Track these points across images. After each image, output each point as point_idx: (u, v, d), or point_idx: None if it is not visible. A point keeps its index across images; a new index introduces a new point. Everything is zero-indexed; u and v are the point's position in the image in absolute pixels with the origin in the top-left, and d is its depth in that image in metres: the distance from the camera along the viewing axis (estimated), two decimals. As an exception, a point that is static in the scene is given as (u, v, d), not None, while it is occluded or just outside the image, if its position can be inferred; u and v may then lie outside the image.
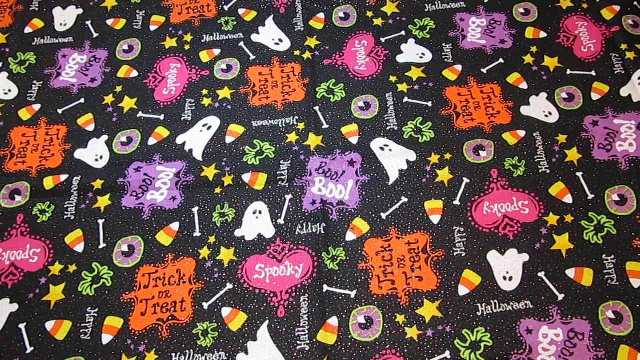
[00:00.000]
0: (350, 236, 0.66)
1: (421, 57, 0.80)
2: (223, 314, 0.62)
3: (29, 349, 0.61)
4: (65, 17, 0.87)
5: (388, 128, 0.73)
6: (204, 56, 0.82)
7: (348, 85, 0.78)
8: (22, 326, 0.62)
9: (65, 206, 0.70)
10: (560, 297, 0.61)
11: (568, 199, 0.67)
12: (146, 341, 0.61)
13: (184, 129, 0.75)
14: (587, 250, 0.64)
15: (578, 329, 0.60)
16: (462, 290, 0.63)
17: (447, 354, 0.59)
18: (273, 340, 0.61)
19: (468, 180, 0.69)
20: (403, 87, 0.77)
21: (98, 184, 0.71)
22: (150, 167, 0.72)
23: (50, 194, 0.71)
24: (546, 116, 0.73)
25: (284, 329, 0.61)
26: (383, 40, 0.82)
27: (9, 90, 0.80)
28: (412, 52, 0.80)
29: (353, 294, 0.63)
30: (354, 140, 0.73)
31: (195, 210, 0.69)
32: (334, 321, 0.61)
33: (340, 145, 0.72)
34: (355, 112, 0.75)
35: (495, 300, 0.62)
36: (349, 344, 0.60)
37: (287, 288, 0.63)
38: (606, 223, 0.65)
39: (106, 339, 0.61)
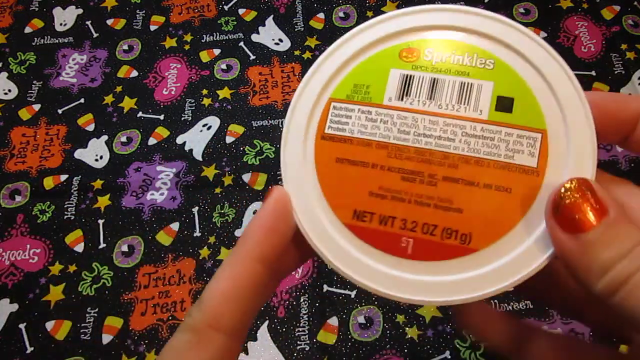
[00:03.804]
0: (350, 236, 0.66)
1: (421, 57, 0.80)
2: (223, 314, 0.62)
3: (29, 349, 0.61)
4: (65, 17, 0.87)
5: (388, 128, 0.73)
6: (204, 56, 0.82)
7: (348, 85, 0.78)
8: (22, 326, 0.62)
9: (65, 206, 0.70)
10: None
11: (568, 199, 0.67)
12: (146, 341, 0.61)
13: (184, 129, 0.75)
14: (587, 250, 0.64)
15: (578, 329, 0.60)
16: (462, 290, 0.62)
17: (447, 354, 0.59)
18: (273, 340, 0.61)
19: (468, 180, 0.69)
20: (403, 87, 0.77)
21: (98, 184, 0.71)
22: (150, 167, 0.72)
23: (50, 194, 0.71)
24: (546, 116, 0.73)
25: (284, 329, 0.61)
26: (383, 40, 0.82)
27: (9, 90, 0.80)
28: (412, 52, 0.80)
29: (353, 294, 0.63)
30: (354, 140, 0.73)
31: (195, 210, 0.69)
32: (334, 321, 0.61)
33: (340, 145, 0.72)
34: (355, 112, 0.75)
35: (495, 300, 0.62)
36: (349, 344, 0.60)
37: (287, 288, 0.63)
38: (606, 223, 0.65)
39: (106, 339, 0.61)
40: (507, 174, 0.19)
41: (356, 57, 0.22)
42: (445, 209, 0.20)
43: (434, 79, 0.21)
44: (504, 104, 0.20)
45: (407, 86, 0.21)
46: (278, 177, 0.70)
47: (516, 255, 0.19)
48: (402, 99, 0.21)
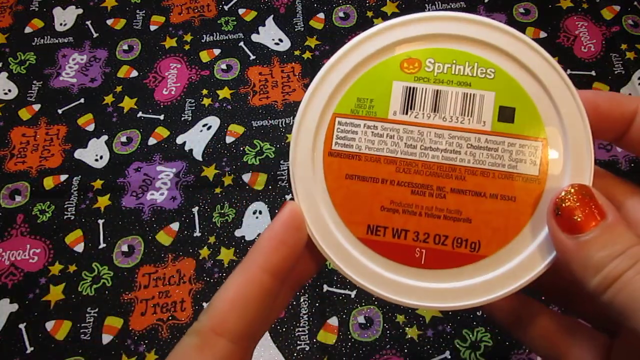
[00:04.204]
0: (350, 236, 0.66)
1: (421, 57, 0.80)
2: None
3: (29, 349, 0.61)
4: (65, 17, 0.87)
5: (388, 128, 0.73)
6: (204, 56, 0.82)
7: (348, 85, 0.78)
8: (22, 326, 0.62)
9: (65, 206, 0.70)
10: (560, 297, 0.61)
11: (568, 199, 0.67)
12: (146, 341, 0.61)
13: (184, 129, 0.75)
14: (587, 250, 0.64)
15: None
16: (462, 290, 0.62)
17: (447, 354, 0.59)
18: (273, 340, 0.61)
19: (468, 180, 0.69)
20: (403, 87, 0.77)
21: (98, 184, 0.71)
22: (150, 167, 0.72)
23: (50, 194, 0.71)
24: (546, 116, 0.73)
25: (284, 329, 0.61)
26: (383, 40, 0.82)
27: (9, 90, 0.80)
28: (412, 52, 0.80)
29: (353, 294, 0.63)
30: (354, 140, 0.73)
31: (195, 210, 0.69)
32: (334, 321, 0.61)
33: (340, 145, 0.72)
34: (355, 112, 0.75)
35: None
36: (349, 344, 0.60)
37: (287, 288, 0.63)
38: (606, 223, 0.65)
39: (106, 339, 0.61)
40: (512, 183, 0.20)
41: (358, 69, 0.23)
42: (455, 219, 0.21)
43: (437, 90, 0.21)
44: (505, 114, 0.21)
45: (410, 99, 0.21)
46: (278, 177, 0.70)
47: (522, 260, 0.20)
48: (406, 113, 0.21)
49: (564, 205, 0.20)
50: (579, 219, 0.19)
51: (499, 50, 0.21)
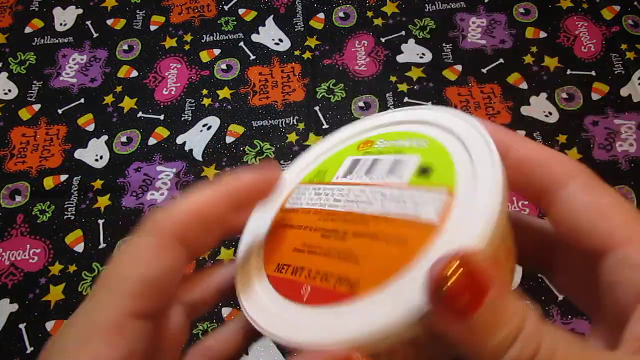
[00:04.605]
0: (350, 236, 0.66)
1: (421, 57, 0.80)
2: (223, 313, 0.62)
3: (29, 349, 0.61)
4: (65, 17, 0.87)
5: (388, 128, 0.73)
6: (204, 56, 0.82)
7: (348, 85, 0.78)
8: (22, 326, 0.62)
9: (65, 206, 0.70)
10: (561, 297, 0.61)
11: (568, 199, 0.67)
12: (146, 341, 0.61)
13: (184, 129, 0.75)
14: (587, 250, 0.64)
15: (578, 329, 0.60)
16: (462, 290, 0.62)
17: (447, 354, 0.59)
18: (273, 340, 0.60)
19: (468, 180, 0.69)
20: (403, 87, 0.77)
21: (98, 184, 0.71)
22: (150, 167, 0.72)
23: (50, 194, 0.71)
24: (546, 116, 0.73)
25: (284, 329, 0.61)
26: (383, 40, 0.82)
27: (9, 90, 0.80)
28: (412, 52, 0.80)
29: (353, 294, 0.63)
30: (354, 140, 0.73)
31: (195, 210, 0.69)
32: (334, 321, 0.61)
33: (340, 145, 0.72)
34: (355, 112, 0.75)
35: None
36: (349, 344, 0.60)
37: (287, 288, 0.63)
38: (606, 223, 0.65)
39: (106, 339, 0.61)
40: (409, 229, 0.20)
41: (326, 152, 0.27)
42: (345, 259, 0.21)
43: (375, 159, 0.24)
44: (423, 171, 0.22)
45: (353, 167, 0.25)
46: (278, 177, 0.70)
47: (398, 303, 0.18)
48: (345, 177, 0.24)
49: (443, 285, 0.16)
50: (461, 302, 0.16)
51: (437, 126, 0.24)
